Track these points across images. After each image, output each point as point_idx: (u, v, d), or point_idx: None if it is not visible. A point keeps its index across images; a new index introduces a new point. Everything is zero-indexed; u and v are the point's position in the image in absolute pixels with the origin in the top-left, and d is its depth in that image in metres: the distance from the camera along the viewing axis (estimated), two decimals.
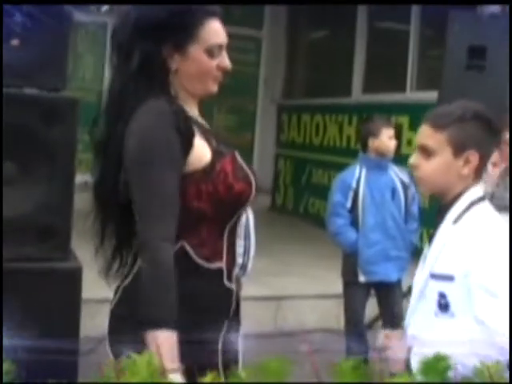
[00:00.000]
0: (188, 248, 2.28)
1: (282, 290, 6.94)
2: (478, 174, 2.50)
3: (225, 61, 2.37)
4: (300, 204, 11.93)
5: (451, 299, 2.37)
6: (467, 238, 2.38)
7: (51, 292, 3.39)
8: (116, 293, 2.36)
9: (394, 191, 5.16)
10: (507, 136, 4.63)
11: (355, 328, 5.08)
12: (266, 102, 13.46)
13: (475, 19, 5.93)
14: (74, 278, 3.47)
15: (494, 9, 6.38)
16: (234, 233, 2.44)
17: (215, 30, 2.37)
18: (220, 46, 2.36)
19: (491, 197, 4.60)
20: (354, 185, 5.18)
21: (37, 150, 3.39)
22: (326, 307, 6.39)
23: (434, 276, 2.42)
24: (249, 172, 2.42)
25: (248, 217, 5.09)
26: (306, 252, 8.52)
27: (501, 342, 2.29)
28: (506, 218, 4.44)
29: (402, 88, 9.70)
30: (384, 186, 5.12)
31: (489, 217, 2.48)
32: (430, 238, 2.56)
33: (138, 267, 2.25)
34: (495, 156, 4.58)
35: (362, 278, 5.09)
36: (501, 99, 5.54)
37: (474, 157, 2.43)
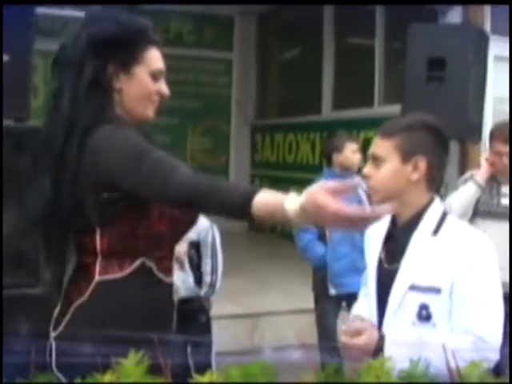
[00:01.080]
0: (149, 263, 2.34)
1: (259, 308, 6.99)
2: (431, 182, 2.55)
3: (164, 87, 2.45)
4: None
5: (434, 310, 2.42)
6: (453, 250, 2.44)
7: (24, 317, 3.43)
8: (62, 315, 2.35)
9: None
10: (498, 147, 4.71)
11: (328, 340, 5.12)
12: (240, 123, 13.53)
13: (433, 31, 6.04)
14: (46, 304, 3.50)
15: (453, 19, 6.52)
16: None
17: (158, 57, 2.46)
18: (161, 72, 2.46)
19: (477, 202, 4.68)
20: None
21: (8, 178, 3.46)
22: (303, 322, 6.43)
23: (414, 288, 2.45)
24: None
25: (214, 236, 5.16)
26: (283, 270, 8.57)
27: (485, 350, 2.35)
28: (491, 225, 4.51)
29: (370, 103, 9.80)
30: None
31: (467, 228, 2.57)
32: (389, 252, 2.62)
33: (94, 284, 2.30)
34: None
35: (332, 291, 5.15)
36: (462, 109, 5.65)
37: (421, 163, 2.49)
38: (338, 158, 5.29)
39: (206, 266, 5.03)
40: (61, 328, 2.33)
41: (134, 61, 2.36)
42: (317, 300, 5.34)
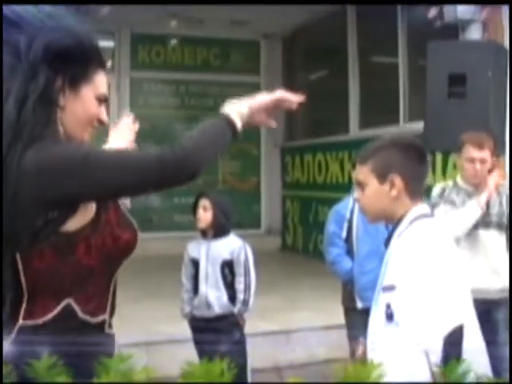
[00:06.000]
0: (74, 305, 2.26)
1: (291, 324, 7.09)
2: (412, 192, 2.71)
3: (105, 114, 2.30)
4: (309, 242, 12.10)
5: (394, 308, 2.54)
6: (404, 250, 2.60)
7: None
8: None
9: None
10: (471, 153, 4.80)
11: None
12: (269, 146, 13.68)
13: (453, 48, 6.16)
14: None
15: (473, 35, 6.62)
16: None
17: (105, 81, 2.29)
18: (105, 98, 2.30)
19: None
20: (347, 215, 5.36)
21: None
22: (334, 338, 6.51)
23: (383, 288, 2.61)
24: (131, 220, 2.42)
25: (247, 255, 5.29)
26: (315, 287, 8.65)
27: (426, 345, 2.42)
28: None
29: (395, 121, 9.92)
30: None
31: (425, 231, 2.68)
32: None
33: (17, 329, 2.22)
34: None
35: (359, 304, 5.23)
36: (484, 122, 5.75)
37: (397, 179, 2.67)
38: (354, 175, 5.44)
39: (240, 284, 5.17)
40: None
41: (83, 79, 2.20)
42: (346, 313, 5.44)
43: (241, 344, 5.19)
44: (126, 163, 2.09)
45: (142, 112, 13.02)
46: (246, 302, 5.17)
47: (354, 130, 11.19)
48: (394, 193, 2.68)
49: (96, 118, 2.26)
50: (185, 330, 5.36)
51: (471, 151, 4.80)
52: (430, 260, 2.57)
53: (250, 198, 13.58)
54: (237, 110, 2.35)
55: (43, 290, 2.22)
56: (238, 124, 2.31)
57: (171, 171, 2.07)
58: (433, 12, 6.24)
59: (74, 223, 2.16)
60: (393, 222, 2.74)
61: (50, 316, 2.23)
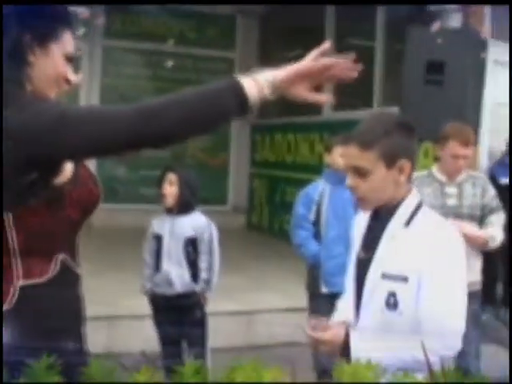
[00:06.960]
0: (69, 260, 2.33)
1: (254, 305, 7.04)
2: (411, 175, 2.61)
3: (72, 73, 2.27)
4: (275, 222, 12.05)
5: (401, 298, 2.48)
6: (422, 240, 2.50)
7: None
8: None
9: (356, 205, 5.26)
10: (456, 149, 4.69)
11: None
12: (240, 123, 13.58)
13: (432, 35, 6.09)
14: None
15: (453, 23, 6.56)
16: None
17: (72, 41, 2.27)
18: (73, 58, 2.28)
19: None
20: (317, 198, 5.29)
21: None
22: (297, 321, 6.46)
23: (385, 276, 2.51)
24: (96, 176, 2.48)
25: (212, 233, 5.20)
26: (279, 268, 8.61)
27: (449, 337, 2.43)
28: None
29: (369, 104, 9.86)
30: (347, 200, 5.10)
31: (437, 220, 2.62)
32: (365, 242, 2.67)
33: (18, 290, 2.21)
34: None
35: (324, 289, 5.18)
36: (460, 111, 5.70)
37: (406, 164, 2.54)
38: (326, 159, 5.38)
39: (203, 263, 5.07)
40: None
41: (52, 37, 2.18)
42: (310, 298, 5.38)
43: (202, 323, 5.11)
44: (102, 115, 2.04)
45: (113, 81, 12.87)
46: (208, 282, 5.07)
47: (327, 112, 11.10)
48: (402, 179, 2.55)
49: (63, 78, 2.24)
50: (147, 305, 5.27)
51: (457, 148, 4.67)
52: (450, 255, 2.50)
53: (218, 174, 13.48)
54: (257, 78, 2.03)
55: (38, 248, 2.23)
56: (252, 95, 2.01)
57: (142, 123, 2.00)
58: (436, 25, 6.17)
59: (60, 179, 2.20)
60: (384, 202, 2.59)
61: (50, 274, 2.26)
